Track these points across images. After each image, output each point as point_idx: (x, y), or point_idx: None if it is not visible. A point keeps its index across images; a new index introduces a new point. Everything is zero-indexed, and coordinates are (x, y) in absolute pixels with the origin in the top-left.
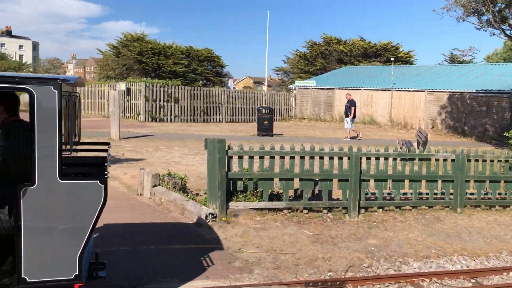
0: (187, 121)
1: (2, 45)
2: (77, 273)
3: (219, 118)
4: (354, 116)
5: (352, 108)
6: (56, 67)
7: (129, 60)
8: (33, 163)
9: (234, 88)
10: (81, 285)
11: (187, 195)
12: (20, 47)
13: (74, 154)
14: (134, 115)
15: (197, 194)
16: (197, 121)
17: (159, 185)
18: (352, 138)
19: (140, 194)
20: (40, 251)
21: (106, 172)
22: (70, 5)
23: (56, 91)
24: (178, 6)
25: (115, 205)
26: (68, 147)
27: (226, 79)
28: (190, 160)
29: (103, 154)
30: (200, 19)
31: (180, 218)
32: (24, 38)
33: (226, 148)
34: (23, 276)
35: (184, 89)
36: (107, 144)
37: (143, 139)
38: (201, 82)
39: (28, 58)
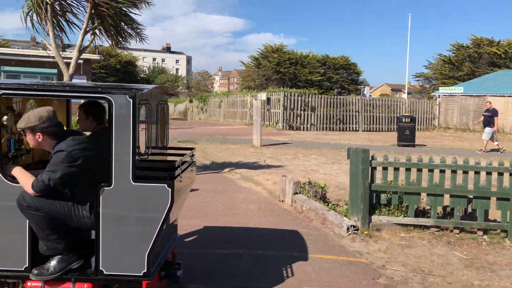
0: (322, 130)
1: (163, 60)
2: (145, 270)
3: (355, 127)
4: (494, 127)
5: (495, 118)
6: (205, 79)
7: (268, 71)
8: (111, 166)
9: (370, 96)
10: (148, 283)
11: (328, 205)
12: (177, 61)
13: (161, 158)
14: (272, 124)
15: (337, 205)
16: (333, 130)
17: (300, 192)
18: (494, 150)
19: (282, 201)
20: (115, 246)
21: (175, 177)
22: (217, 21)
23: (131, 100)
24: (315, 16)
25: (259, 210)
26: (148, 150)
27: (362, 86)
28: (328, 169)
29: (187, 158)
30: (336, 27)
31: (321, 228)
32: (180, 53)
33: (370, 159)
34: (100, 268)
35: (321, 97)
36: (191, 149)
37: (281, 146)
38: (336, 90)
39: (182, 71)
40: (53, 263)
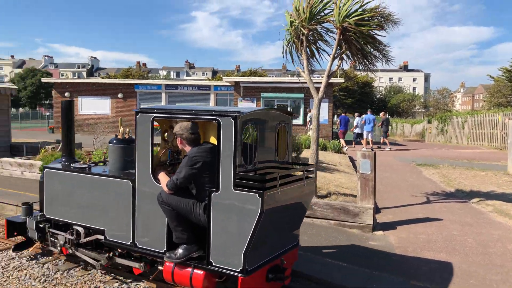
0: None
1: (400, 79)
2: (241, 268)
3: None
4: None
5: None
6: (444, 97)
7: None
8: (218, 175)
9: None
10: (243, 280)
11: None
12: (414, 79)
13: (273, 170)
14: None
15: None
16: None
17: None
18: None
19: None
20: (220, 243)
21: (265, 188)
22: (460, 33)
23: (233, 121)
24: None
25: None
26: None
27: None
28: None
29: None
30: None
31: None
32: (418, 71)
33: None
34: (210, 260)
35: None
36: (308, 165)
37: None
38: None
39: (420, 90)
40: (179, 250)
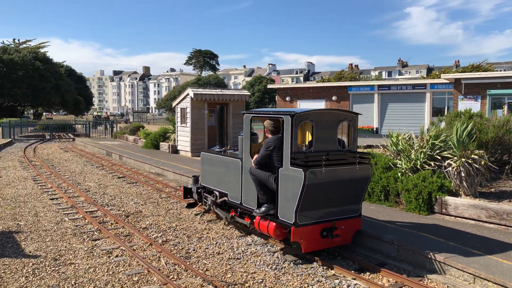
0: None
1: None
2: (294, 221)
3: None
4: None
5: None
6: None
7: None
8: (282, 157)
9: None
10: (294, 230)
11: None
12: None
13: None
14: None
15: None
16: None
17: None
18: None
19: None
20: (283, 203)
21: (308, 166)
22: None
23: (291, 119)
24: None
25: None
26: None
27: None
28: None
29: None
30: None
31: None
32: None
33: None
34: (278, 215)
35: None
36: (363, 153)
37: None
38: None
39: None
40: (262, 208)
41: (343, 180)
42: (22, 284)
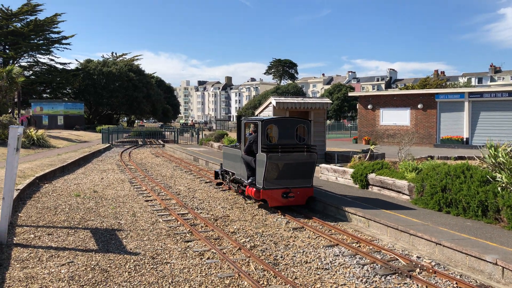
0: None
1: None
2: (262, 186)
3: None
4: None
5: None
6: None
7: None
8: (257, 146)
9: None
10: (262, 191)
11: None
12: None
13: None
14: None
15: None
16: None
17: None
18: None
19: None
20: (258, 175)
21: (270, 151)
22: None
23: (261, 123)
24: None
25: None
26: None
27: None
28: None
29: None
30: None
31: None
32: None
33: None
34: (255, 183)
35: None
36: (311, 146)
37: None
38: None
39: None
40: (248, 180)
41: (294, 161)
42: (126, 278)
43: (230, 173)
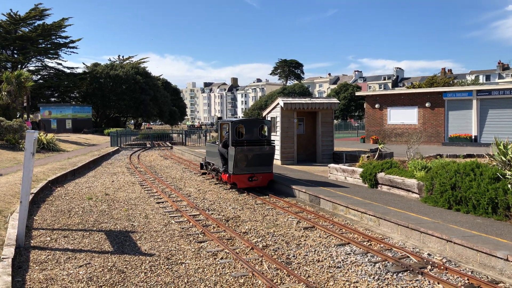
0: None
1: None
2: (232, 172)
3: None
4: None
5: None
6: None
7: None
8: (229, 141)
9: None
10: (232, 176)
11: None
12: None
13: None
14: None
15: None
16: None
17: None
18: None
19: None
20: (230, 164)
21: (236, 145)
22: None
23: (231, 123)
24: None
25: None
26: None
27: None
28: None
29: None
30: None
31: None
32: None
33: None
34: (228, 170)
35: None
36: (271, 140)
37: None
38: None
39: None
40: (223, 168)
41: (257, 153)
42: (142, 279)
43: (211, 164)
